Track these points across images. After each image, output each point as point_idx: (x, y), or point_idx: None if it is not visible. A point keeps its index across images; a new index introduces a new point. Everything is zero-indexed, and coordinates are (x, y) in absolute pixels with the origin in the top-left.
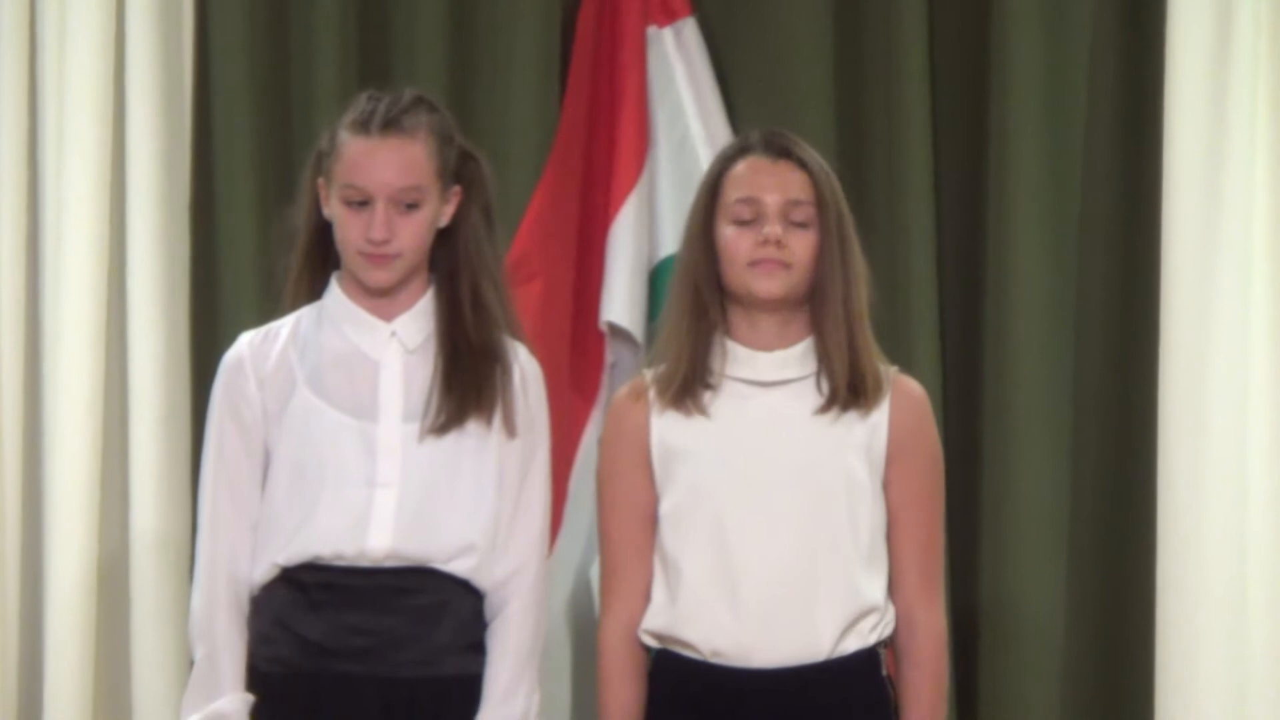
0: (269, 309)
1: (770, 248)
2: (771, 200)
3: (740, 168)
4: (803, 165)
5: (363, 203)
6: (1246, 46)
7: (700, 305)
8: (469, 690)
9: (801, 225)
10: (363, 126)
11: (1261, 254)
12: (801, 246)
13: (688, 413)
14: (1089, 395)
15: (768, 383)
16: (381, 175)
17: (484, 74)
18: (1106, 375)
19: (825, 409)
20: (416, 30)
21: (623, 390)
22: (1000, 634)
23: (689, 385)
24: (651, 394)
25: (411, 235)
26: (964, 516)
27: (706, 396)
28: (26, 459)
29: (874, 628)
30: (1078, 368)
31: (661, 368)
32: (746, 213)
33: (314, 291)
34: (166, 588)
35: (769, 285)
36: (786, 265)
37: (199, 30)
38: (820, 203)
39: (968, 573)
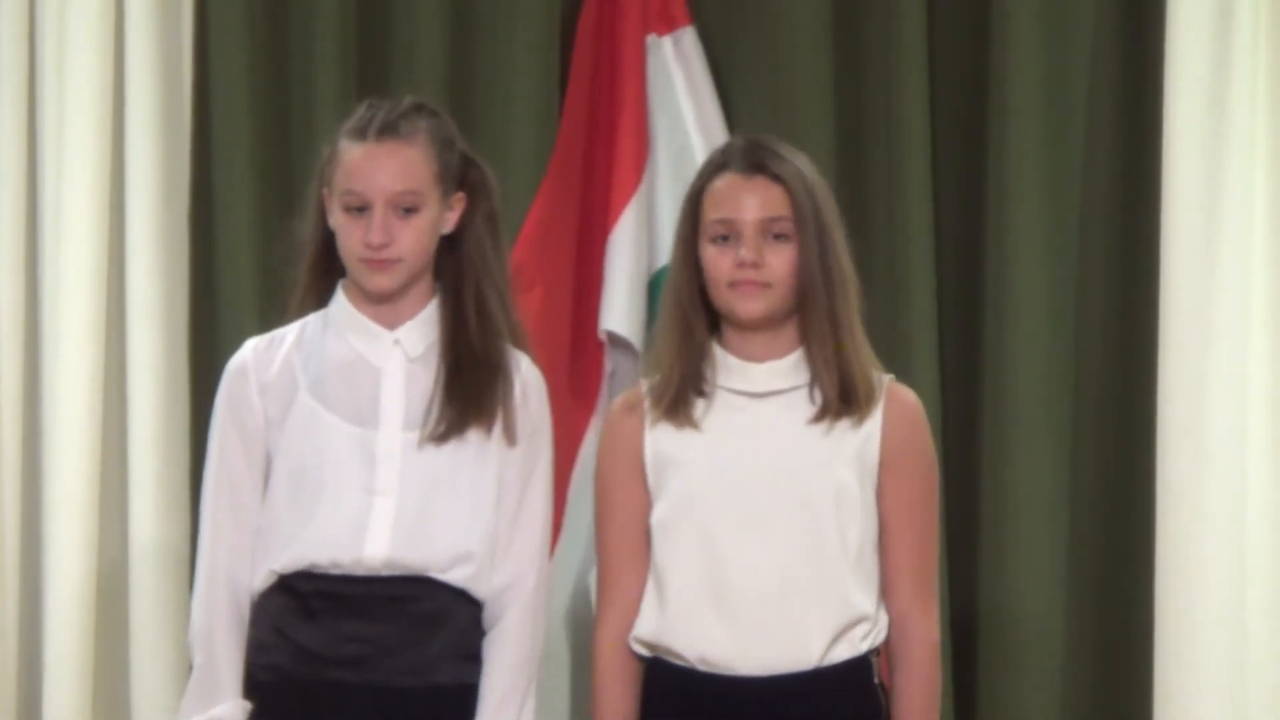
0: (268, 316)
1: (748, 269)
2: (747, 219)
3: (718, 185)
4: (778, 179)
5: (362, 208)
6: (1246, 47)
7: (685, 322)
8: (464, 700)
9: (781, 239)
10: (360, 133)
11: (1261, 254)
12: (781, 262)
13: (680, 423)
14: (1088, 396)
15: (760, 393)
16: (379, 179)
17: (483, 83)
18: (1106, 376)
19: (817, 419)
20: (416, 38)
21: (618, 401)
22: (999, 636)
23: (682, 395)
24: (646, 404)
25: (411, 239)
26: (963, 518)
27: (700, 406)
28: (26, 466)
29: (865, 636)
30: (1077, 368)
31: (655, 378)
32: (724, 232)
33: (321, 302)
34: (165, 595)
35: (750, 306)
36: (766, 285)
37: (198, 35)
38: (798, 216)
39: (966, 575)
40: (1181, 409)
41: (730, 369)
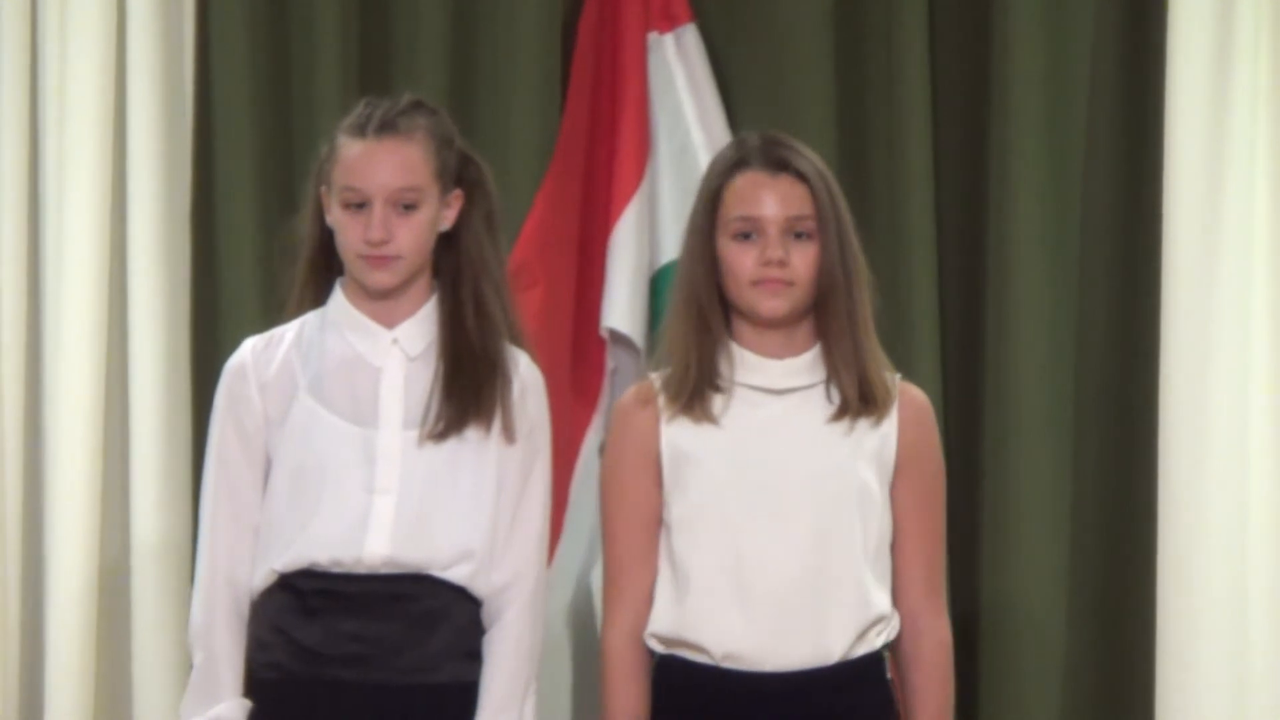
0: (269, 315)
1: (773, 268)
2: (772, 217)
3: (740, 182)
4: (802, 177)
5: (361, 205)
6: (1247, 47)
7: (702, 318)
8: (465, 698)
9: (803, 237)
10: (359, 130)
11: (1262, 254)
12: (803, 261)
13: (698, 419)
14: (1089, 396)
15: (778, 390)
16: (378, 176)
17: (485, 81)
18: (1107, 376)
19: (837, 418)
20: (417, 37)
21: (628, 395)
22: (1000, 634)
23: (699, 391)
24: (661, 400)
25: (410, 236)
26: (964, 517)
27: (717, 402)
28: (27, 465)
29: (880, 633)
30: (1078, 368)
31: (669, 373)
32: (747, 229)
33: (319, 300)
34: (167, 594)
35: (774, 304)
36: (789, 283)
37: (200, 36)
38: (820, 215)
39: (968, 573)
40: (1183, 409)
41: (748, 365)
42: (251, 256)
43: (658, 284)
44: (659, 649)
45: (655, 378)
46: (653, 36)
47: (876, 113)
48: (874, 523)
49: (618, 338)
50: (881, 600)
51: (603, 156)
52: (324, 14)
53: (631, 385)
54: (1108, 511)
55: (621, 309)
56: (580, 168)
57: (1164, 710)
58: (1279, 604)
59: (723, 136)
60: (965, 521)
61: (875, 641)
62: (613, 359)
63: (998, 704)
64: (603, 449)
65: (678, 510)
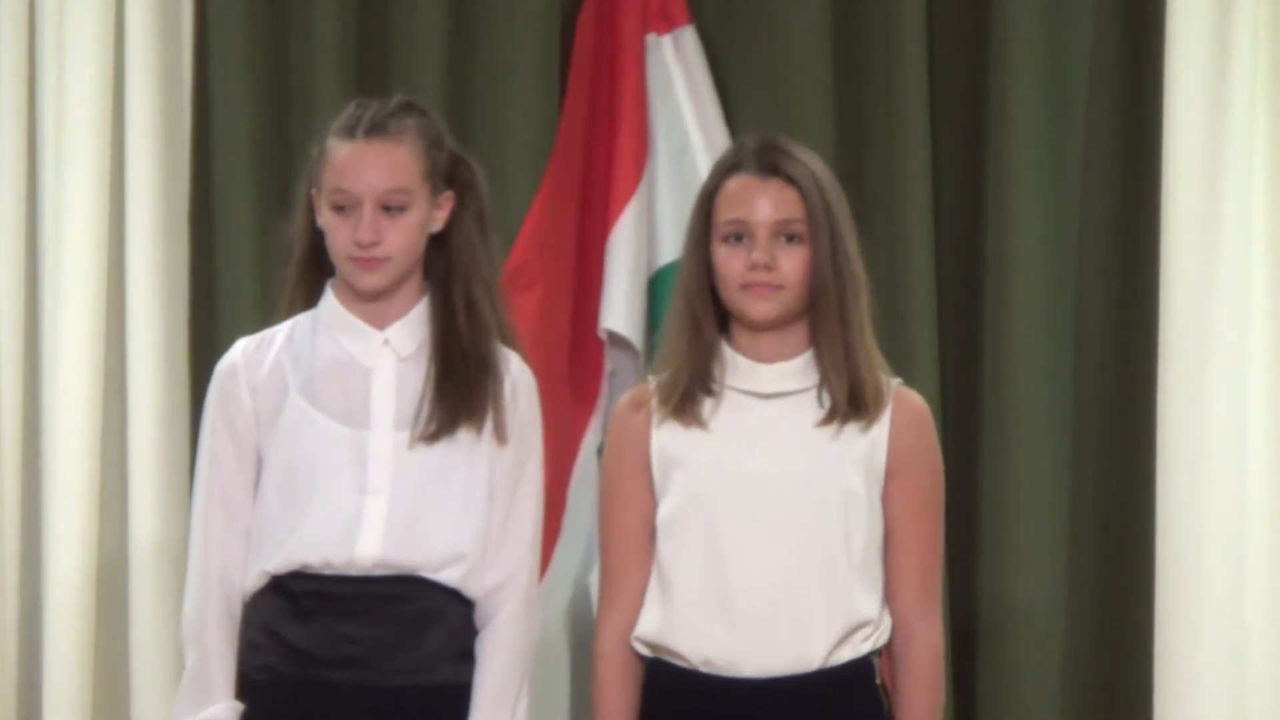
0: (267, 315)
1: (760, 271)
2: (760, 221)
3: (731, 186)
4: (792, 181)
5: (351, 207)
6: (1246, 47)
7: (695, 322)
8: (458, 699)
9: (794, 240)
10: (349, 131)
11: (1261, 254)
12: (793, 264)
13: (687, 422)
14: (1088, 396)
15: (768, 394)
16: (367, 178)
17: (483, 82)
18: (1106, 376)
19: (826, 422)
20: (416, 38)
21: (624, 399)
22: (1000, 635)
23: (690, 395)
24: (653, 403)
25: (400, 238)
26: (964, 518)
27: (708, 406)
28: (26, 464)
29: (866, 638)
30: (1077, 369)
31: (664, 376)
32: (736, 232)
33: (310, 302)
34: (165, 593)
35: (762, 308)
36: (778, 286)
37: (198, 35)
38: (811, 218)
39: (966, 576)
40: (1182, 409)
41: (739, 369)
42: (250, 257)
43: (656, 286)
44: (646, 653)
45: (651, 380)
46: (651, 38)
47: (875, 113)
48: (859, 527)
49: (616, 339)
50: (868, 605)
51: (601, 158)
52: (323, 14)
53: (629, 387)
54: (1107, 511)
55: (620, 310)
56: (578, 169)
57: (1163, 710)
58: (1278, 604)
59: (721, 138)
60: (964, 522)
61: (861, 647)
62: (611, 360)
63: (998, 704)
64: (601, 451)
65: (664, 514)
